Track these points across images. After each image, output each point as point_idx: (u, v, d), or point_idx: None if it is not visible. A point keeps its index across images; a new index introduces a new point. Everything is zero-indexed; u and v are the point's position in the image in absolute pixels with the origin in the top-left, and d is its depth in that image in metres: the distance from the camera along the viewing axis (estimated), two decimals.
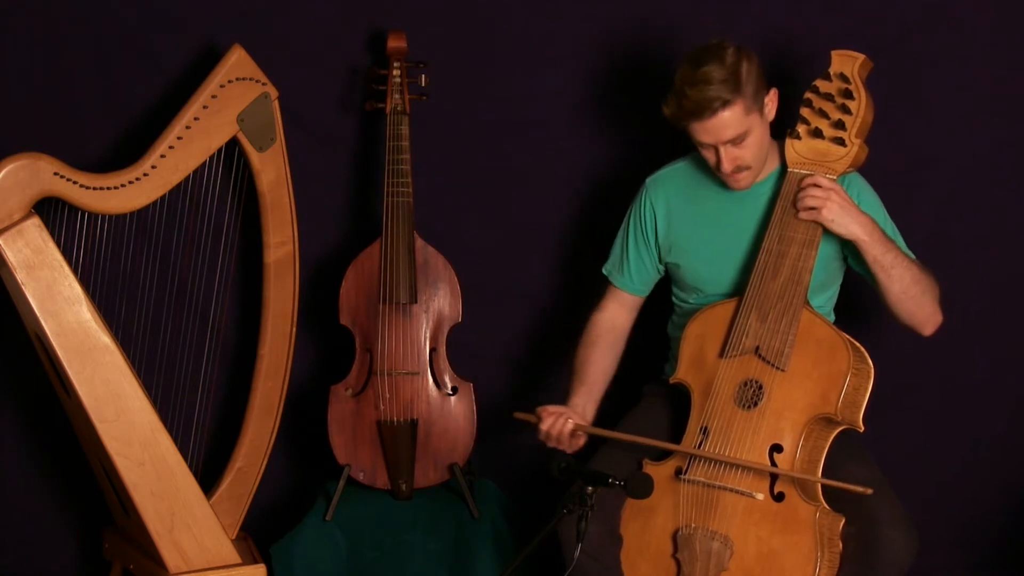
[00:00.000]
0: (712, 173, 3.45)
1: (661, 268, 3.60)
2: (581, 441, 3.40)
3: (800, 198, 3.30)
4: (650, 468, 3.32)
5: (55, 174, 3.37)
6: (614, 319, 3.63)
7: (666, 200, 3.54)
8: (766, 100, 3.33)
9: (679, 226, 3.52)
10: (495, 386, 4.00)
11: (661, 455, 3.36)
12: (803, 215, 3.30)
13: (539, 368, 4.09)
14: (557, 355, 4.06)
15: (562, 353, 4.02)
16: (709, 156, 3.34)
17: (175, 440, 3.51)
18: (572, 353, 3.60)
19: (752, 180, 3.39)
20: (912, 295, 3.31)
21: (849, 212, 3.28)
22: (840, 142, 3.31)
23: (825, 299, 3.48)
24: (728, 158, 3.31)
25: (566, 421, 3.36)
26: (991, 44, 3.86)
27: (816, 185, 3.28)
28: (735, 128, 3.26)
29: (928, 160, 3.91)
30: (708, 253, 3.47)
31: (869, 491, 3.11)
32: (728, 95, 3.22)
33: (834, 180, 3.29)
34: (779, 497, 3.21)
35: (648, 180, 3.58)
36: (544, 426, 3.38)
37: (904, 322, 3.36)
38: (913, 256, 3.37)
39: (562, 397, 3.51)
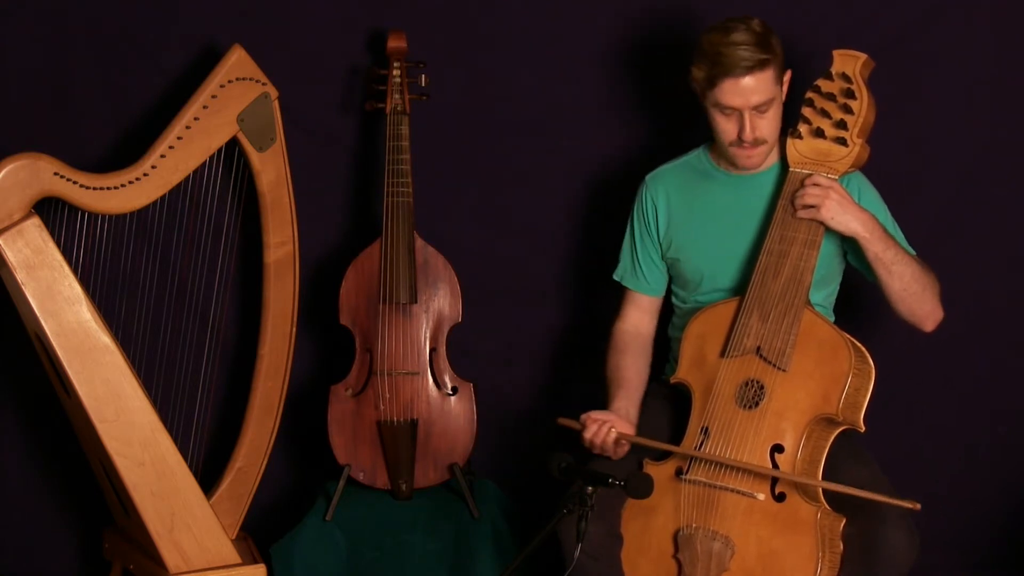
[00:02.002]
0: (711, 168, 3.47)
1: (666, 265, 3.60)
2: (625, 449, 3.37)
3: (799, 197, 3.30)
4: (650, 468, 3.32)
5: (55, 174, 3.37)
6: (638, 326, 3.61)
7: (666, 195, 3.54)
8: (784, 79, 3.35)
9: (679, 221, 3.52)
10: (495, 386, 4.00)
11: (661, 455, 3.36)
12: (802, 213, 3.30)
13: (539, 368, 4.08)
14: (558, 354, 4.06)
15: (563, 352, 4.04)
16: (730, 127, 3.33)
17: (175, 440, 3.51)
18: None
19: (764, 158, 3.39)
20: (913, 292, 3.31)
21: (848, 209, 3.28)
22: (842, 142, 3.31)
23: (824, 296, 3.47)
24: (751, 126, 3.30)
25: (609, 430, 3.34)
26: (991, 44, 3.86)
27: (815, 184, 3.29)
28: (763, 93, 3.28)
29: (928, 160, 3.91)
30: (708, 247, 3.47)
31: (918, 506, 3.09)
32: (764, 55, 3.25)
33: (834, 179, 3.30)
34: (780, 497, 3.21)
35: (648, 177, 3.58)
36: (588, 434, 3.35)
37: (905, 318, 3.37)
38: (914, 253, 3.37)
39: (575, 397, 3.51)
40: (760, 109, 3.30)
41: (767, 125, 3.33)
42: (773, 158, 3.43)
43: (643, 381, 3.54)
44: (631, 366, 3.53)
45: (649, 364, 3.58)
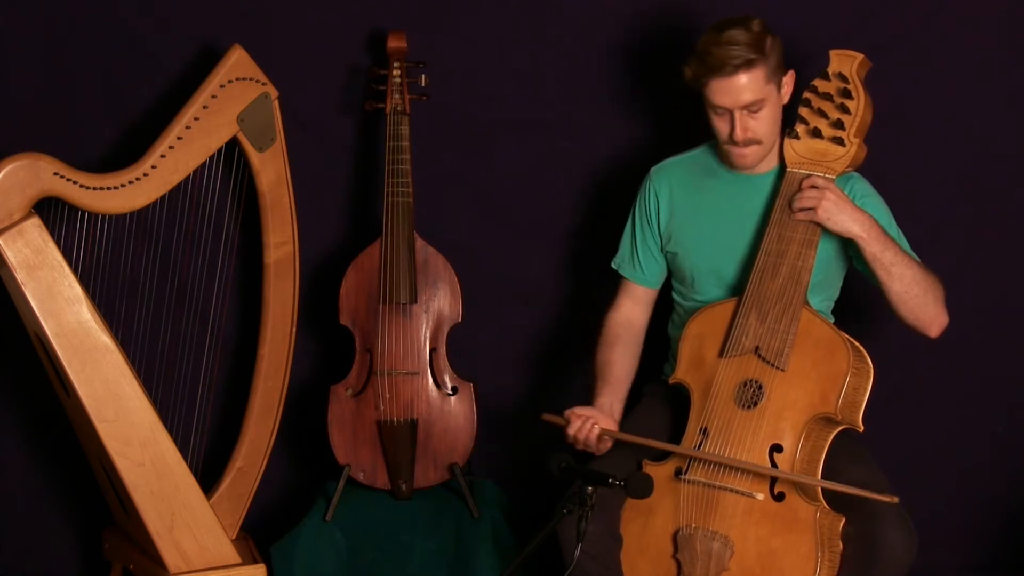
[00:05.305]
0: (715, 165, 3.47)
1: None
2: (607, 445, 3.38)
3: (796, 200, 3.30)
4: (650, 468, 3.32)
5: (55, 174, 3.37)
6: (630, 317, 3.61)
7: (669, 189, 3.54)
8: (784, 80, 3.35)
9: (680, 215, 3.52)
10: (495, 386, 4.00)
11: (661, 455, 3.36)
12: (799, 216, 3.30)
13: (540, 367, 4.08)
14: (558, 354, 4.06)
15: (563, 352, 4.04)
16: (723, 126, 3.35)
17: (175, 440, 3.51)
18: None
19: (759, 159, 3.39)
20: (914, 294, 3.31)
21: (845, 210, 3.28)
22: (839, 142, 3.31)
23: (819, 302, 3.45)
24: (741, 126, 3.31)
25: (592, 426, 3.35)
26: (991, 44, 3.86)
27: (812, 186, 3.29)
28: (753, 92, 3.28)
29: (927, 160, 3.90)
30: (706, 244, 3.48)
31: (896, 500, 3.11)
32: (752, 55, 3.25)
33: (831, 180, 3.30)
34: (779, 497, 3.21)
35: (652, 169, 3.59)
36: (571, 430, 3.37)
37: (909, 323, 3.35)
38: (917, 258, 3.37)
39: (575, 397, 3.51)
40: (751, 109, 3.30)
41: (760, 126, 3.33)
42: (775, 160, 3.43)
43: (630, 376, 3.55)
44: (619, 361, 3.54)
45: (638, 356, 3.59)
